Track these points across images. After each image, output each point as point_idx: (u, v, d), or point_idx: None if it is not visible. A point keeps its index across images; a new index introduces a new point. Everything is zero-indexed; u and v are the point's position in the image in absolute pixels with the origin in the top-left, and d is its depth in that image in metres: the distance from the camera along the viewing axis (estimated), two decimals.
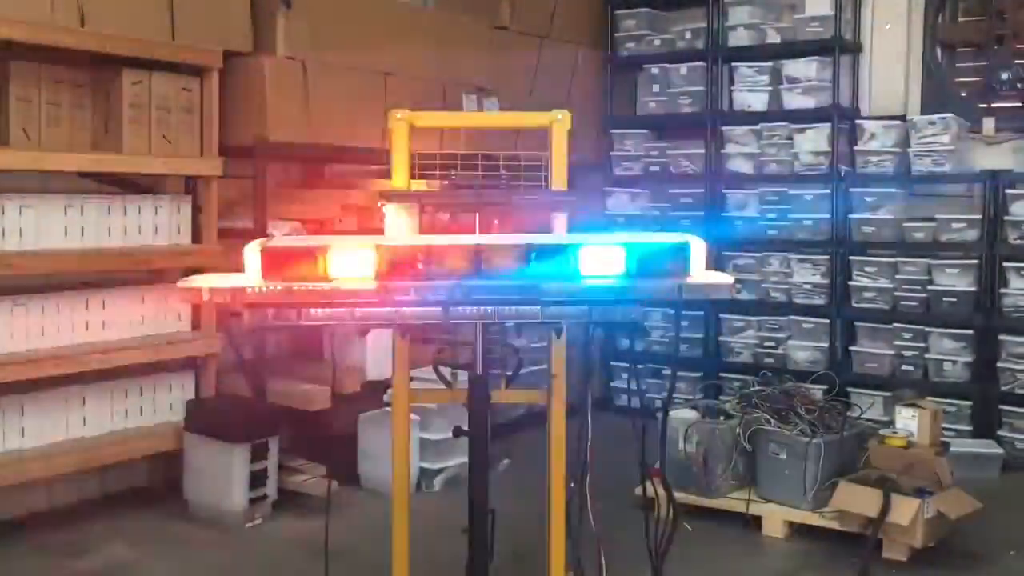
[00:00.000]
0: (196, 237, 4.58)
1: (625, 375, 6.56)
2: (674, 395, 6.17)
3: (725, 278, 2.29)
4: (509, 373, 3.10)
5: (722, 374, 6.16)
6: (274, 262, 2.24)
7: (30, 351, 4.01)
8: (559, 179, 2.99)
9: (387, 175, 3.03)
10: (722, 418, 4.53)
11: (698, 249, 2.29)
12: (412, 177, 3.05)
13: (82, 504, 4.45)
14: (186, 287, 2.25)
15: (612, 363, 6.62)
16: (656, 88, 6.59)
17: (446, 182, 3.11)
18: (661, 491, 2.88)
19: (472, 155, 3.06)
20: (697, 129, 6.39)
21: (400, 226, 2.84)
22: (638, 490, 4.46)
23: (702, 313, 6.30)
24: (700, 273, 2.30)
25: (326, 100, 4.75)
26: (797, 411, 4.45)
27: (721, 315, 6.27)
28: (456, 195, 2.95)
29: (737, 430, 4.43)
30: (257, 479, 4.30)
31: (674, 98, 6.49)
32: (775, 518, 4.30)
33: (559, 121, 2.99)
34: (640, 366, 6.49)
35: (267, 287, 2.21)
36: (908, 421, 4.31)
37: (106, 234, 4.26)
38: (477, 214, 3.02)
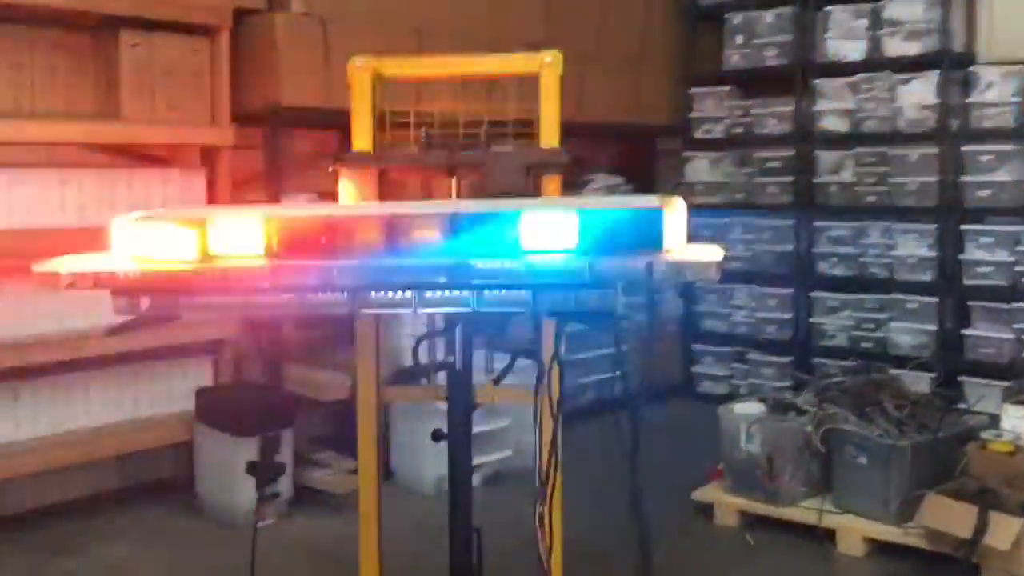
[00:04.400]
0: None
1: (708, 359, 6.07)
2: (748, 383, 5.69)
3: (712, 253, 1.75)
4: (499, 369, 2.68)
5: (814, 359, 5.56)
6: (147, 239, 1.85)
7: (28, 336, 3.77)
8: (549, 134, 2.51)
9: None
10: (793, 414, 3.95)
11: (674, 216, 1.77)
12: (384, 137, 2.64)
13: (95, 497, 4.22)
14: (41, 271, 1.85)
15: (694, 345, 6.10)
16: (739, 39, 5.96)
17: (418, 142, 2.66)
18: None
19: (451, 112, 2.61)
20: (785, 84, 5.76)
21: (352, 195, 2.42)
22: (695, 494, 3.99)
23: (791, 291, 5.74)
24: (679, 246, 1.78)
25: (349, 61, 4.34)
26: (884, 406, 3.84)
27: (812, 293, 5.67)
28: (423, 157, 2.49)
29: (809, 428, 3.85)
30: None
31: (759, 50, 5.86)
32: (852, 533, 3.71)
33: (549, 64, 2.52)
34: (726, 349, 5.99)
35: (133, 271, 1.82)
36: (1017, 422, 3.66)
37: (109, 211, 3.97)
38: (454, 179, 2.59)
